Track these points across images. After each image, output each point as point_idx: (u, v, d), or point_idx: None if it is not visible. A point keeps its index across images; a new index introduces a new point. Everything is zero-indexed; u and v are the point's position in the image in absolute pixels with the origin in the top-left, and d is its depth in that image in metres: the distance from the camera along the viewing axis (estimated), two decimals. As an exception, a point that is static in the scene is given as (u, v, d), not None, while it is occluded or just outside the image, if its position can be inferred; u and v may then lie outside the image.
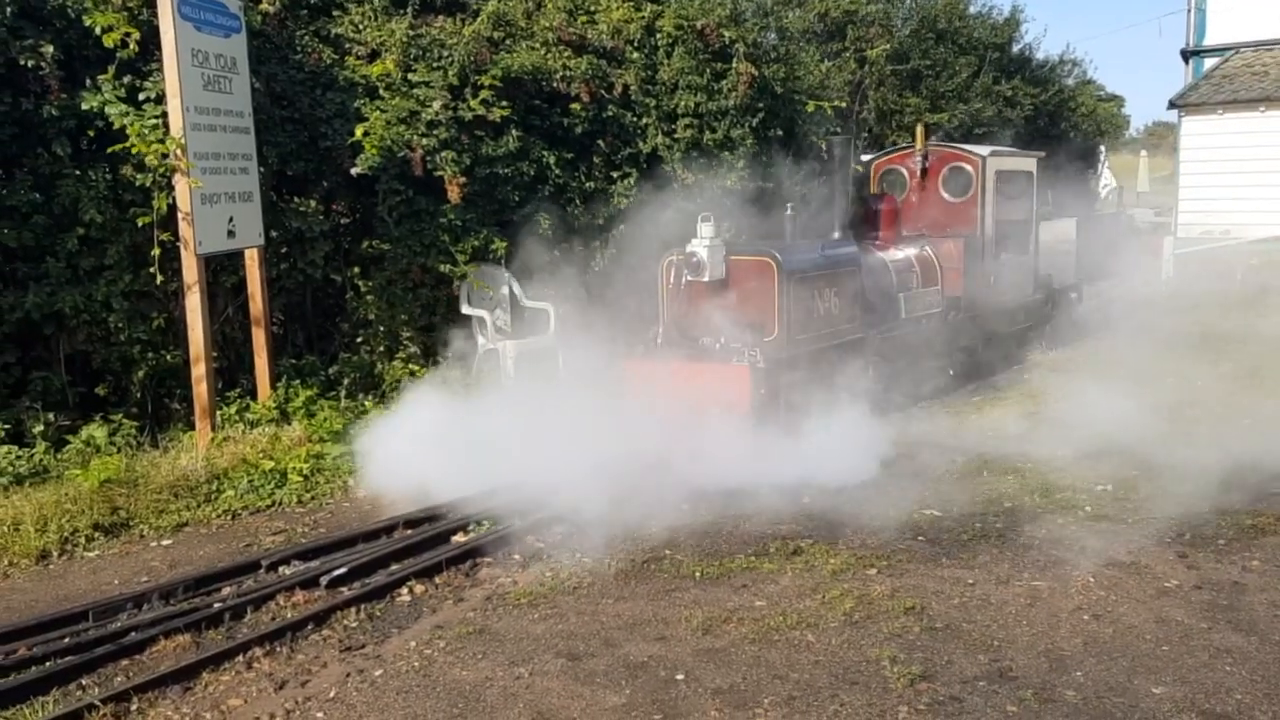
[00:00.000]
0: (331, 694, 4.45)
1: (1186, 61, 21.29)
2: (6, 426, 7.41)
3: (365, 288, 9.68)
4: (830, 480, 6.90)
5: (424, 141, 9.52)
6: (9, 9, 7.52)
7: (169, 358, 8.42)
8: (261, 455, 7.49)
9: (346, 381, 9.19)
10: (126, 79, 7.84)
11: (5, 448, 7.21)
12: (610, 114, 11.26)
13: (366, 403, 8.98)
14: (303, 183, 9.46)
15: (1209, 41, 20.87)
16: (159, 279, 7.74)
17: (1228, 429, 8.06)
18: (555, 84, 10.78)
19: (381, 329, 9.74)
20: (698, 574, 5.66)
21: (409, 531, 6.46)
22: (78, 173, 7.85)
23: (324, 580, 5.60)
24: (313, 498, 7.23)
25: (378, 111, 9.36)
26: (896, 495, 6.78)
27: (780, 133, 12.30)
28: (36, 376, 7.91)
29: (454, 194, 9.72)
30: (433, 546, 6.22)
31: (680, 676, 4.53)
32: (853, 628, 4.95)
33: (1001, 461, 7.67)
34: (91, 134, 7.95)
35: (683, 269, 8.11)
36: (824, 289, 8.53)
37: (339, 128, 9.28)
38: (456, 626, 5.09)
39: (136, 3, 7.96)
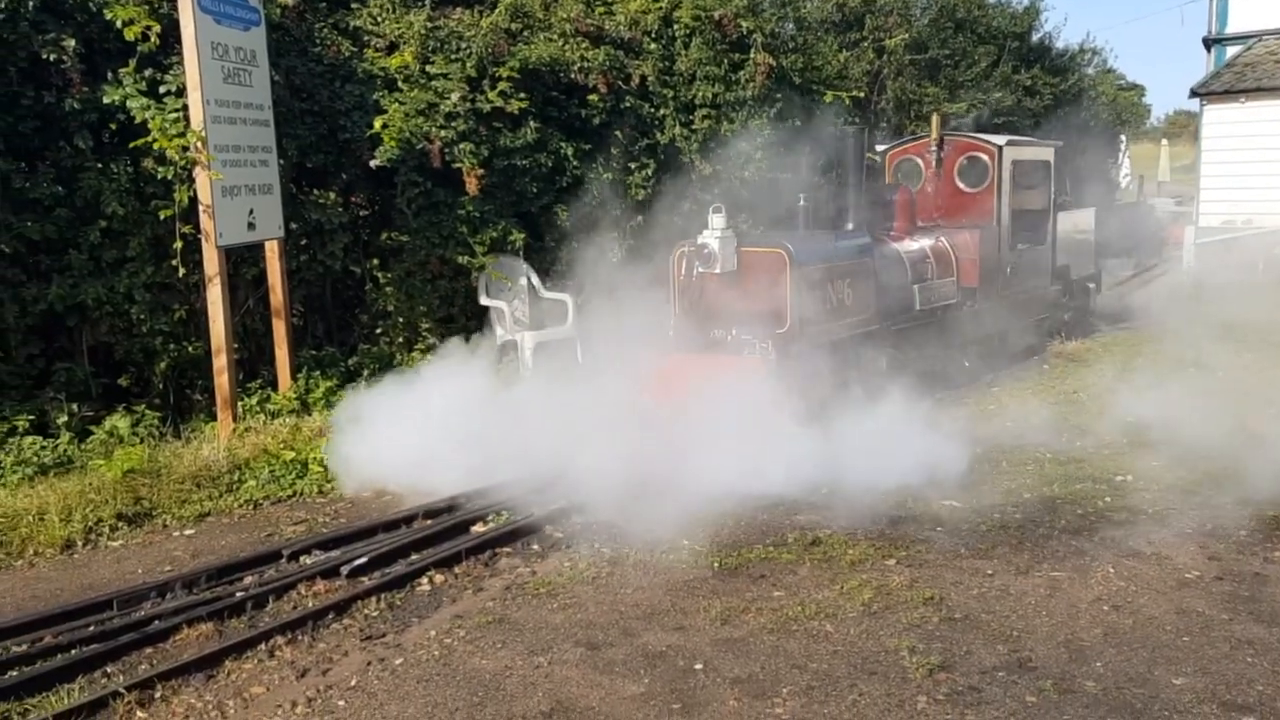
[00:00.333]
0: (353, 682, 4.49)
1: (1208, 49, 21.10)
2: (31, 417, 7.47)
3: (384, 279, 9.72)
4: (844, 471, 6.88)
5: (442, 133, 9.55)
6: (31, 3, 7.57)
7: (190, 349, 8.49)
8: (282, 446, 7.54)
9: (366, 373, 9.24)
10: (147, 72, 7.89)
11: (30, 438, 7.27)
12: (628, 105, 11.26)
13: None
14: (322, 175, 9.51)
15: (1231, 29, 20.68)
16: (180, 271, 7.80)
17: (1249, 420, 8.01)
18: (573, 75, 10.79)
19: (400, 320, 9.79)
20: (715, 564, 5.68)
21: (428, 522, 6.49)
22: (99, 166, 7.91)
23: (345, 570, 5.65)
24: (333, 488, 7.27)
25: (396, 104, 9.39)
26: (914, 486, 6.77)
27: (798, 123, 12.27)
28: (60, 368, 7.98)
29: (472, 186, 9.74)
30: (452, 537, 6.25)
31: (699, 666, 4.55)
32: (871, 618, 4.95)
33: (1019, 452, 7.64)
34: (113, 127, 8.00)
35: (694, 260, 8.06)
36: (837, 281, 8.49)
37: (358, 120, 9.32)
38: (476, 616, 5.12)
39: (157, -4, 8.02)
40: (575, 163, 10.77)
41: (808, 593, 5.27)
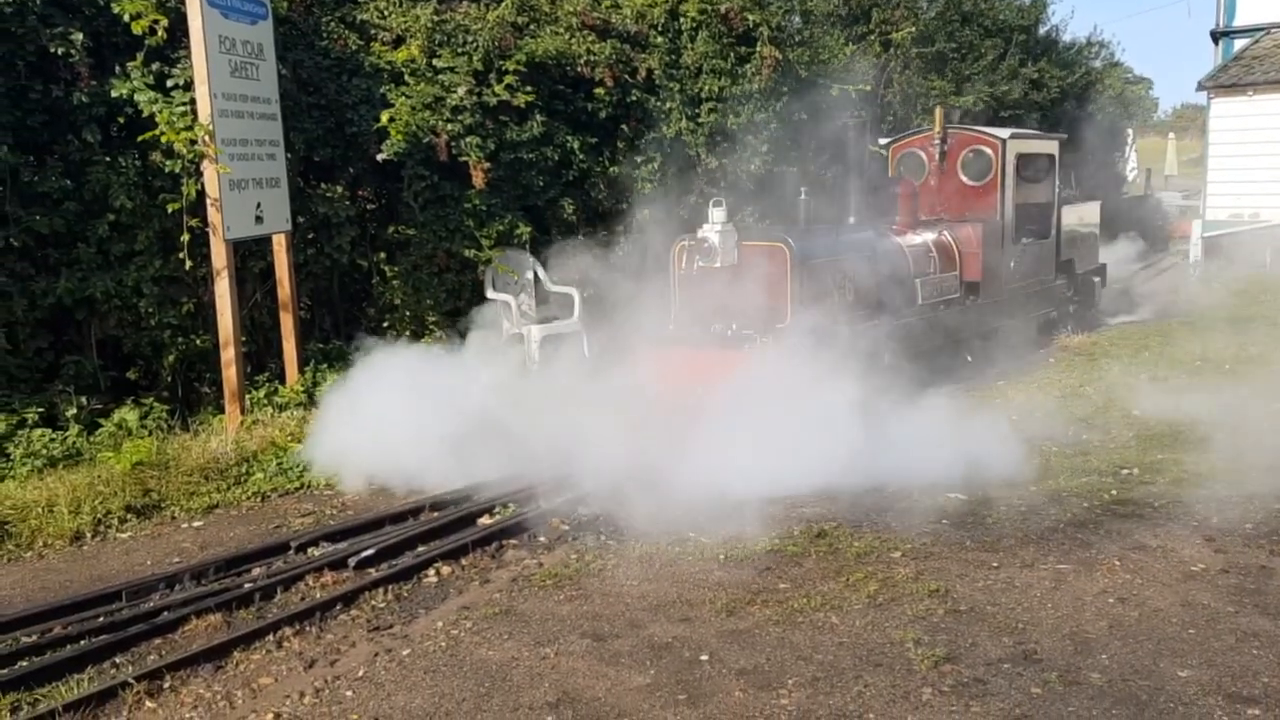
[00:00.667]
0: (360, 673, 4.51)
1: (1216, 43, 21.05)
2: (40, 410, 7.51)
3: (391, 273, 9.75)
4: (851, 464, 6.88)
5: (449, 127, 9.56)
6: (39, -3, 7.60)
7: (199, 342, 8.52)
8: (290, 438, 7.57)
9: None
10: (155, 66, 7.92)
11: (39, 431, 7.31)
12: (634, 99, 11.26)
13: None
14: (329, 168, 9.53)
15: (1239, 22, 20.63)
16: (188, 264, 7.82)
17: (1256, 413, 8.00)
18: (579, 69, 10.79)
19: (407, 314, 9.80)
20: (721, 556, 5.69)
21: (435, 514, 6.52)
22: (108, 159, 7.94)
23: (352, 561, 5.67)
24: (341, 480, 7.29)
25: (403, 97, 9.40)
26: (919, 479, 6.77)
27: (805, 117, 12.26)
28: (69, 361, 8.01)
29: (479, 179, 9.76)
30: (459, 529, 6.28)
31: (705, 657, 4.56)
32: (877, 610, 4.96)
33: (1024, 446, 7.62)
34: (121, 121, 8.02)
35: (694, 254, 8.04)
36: (838, 275, 8.46)
37: (364, 114, 9.33)
38: (483, 607, 5.14)
39: (164, -10, 8.04)
40: (581, 156, 10.78)
41: (813, 585, 5.28)
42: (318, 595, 5.33)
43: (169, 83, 7.92)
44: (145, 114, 7.69)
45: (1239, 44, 20.30)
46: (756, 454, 6.78)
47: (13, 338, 7.72)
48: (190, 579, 5.53)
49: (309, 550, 5.97)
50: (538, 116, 10.34)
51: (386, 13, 10.16)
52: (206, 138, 7.42)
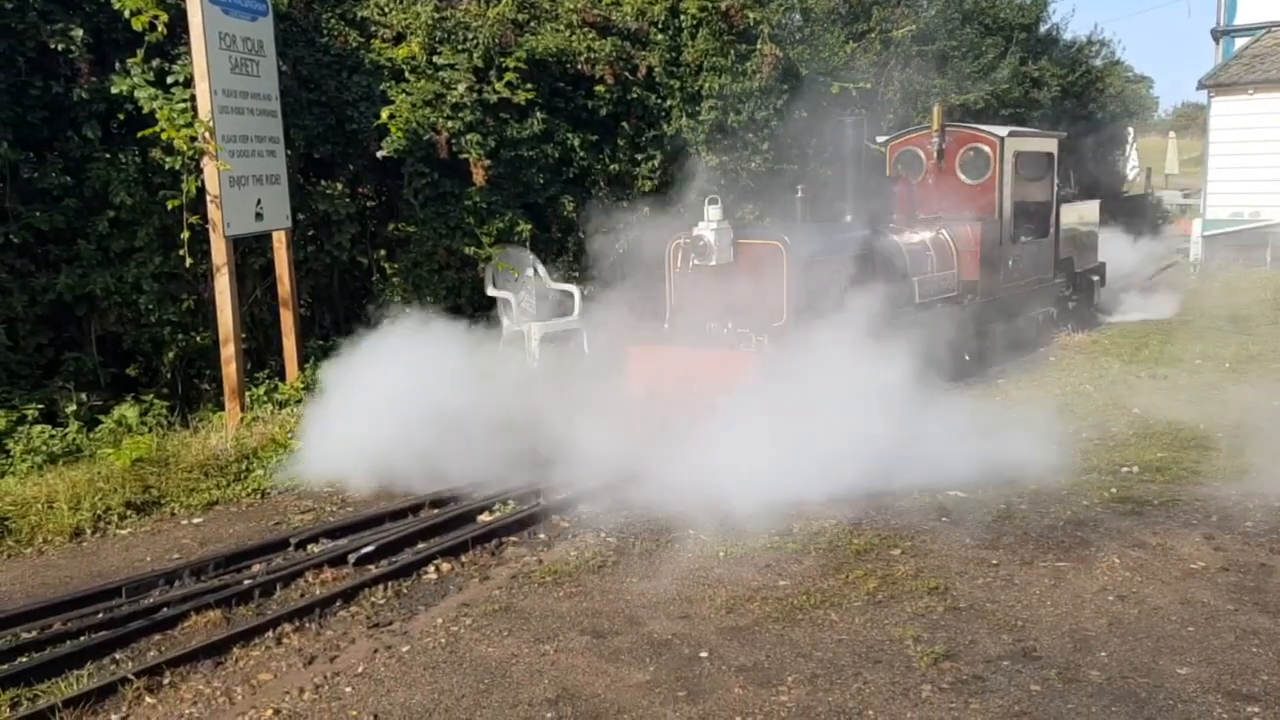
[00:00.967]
0: (360, 669, 4.51)
1: (1217, 41, 21.05)
2: (40, 406, 7.51)
3: (391, 270, 9.74)
4: (848, 462, 6.87)
5: (449, 124, 9.56)
6: (39, -7, 7.60)
7: (199, 339, 8.52)
8: (290, 435, 7.57)
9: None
10: (155, 62, 7.91)
11: (39, 427, 7.31)
12: (634, 96, 11.26)
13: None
14: (329, 165, 9.52)
15: (1240, 21, 20.63)
16: (188, 261, 7.82)
17: (1255, 411, 8.01)
18: (579, 66, 10.79)
19: (408, 311, 9.79)
20: (721, 553, 5.69)
21: (435, 511, 6.52)
22: (108, 156, 7.94)
23: (352, 558, 5.68)
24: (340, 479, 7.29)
25: (403, 94, 9.40)
26: (919, 476, 6.77)
27: (805, 115, 12.25)
28: (69, 357, 8.02)
29: (479, 176, 9.76)
30: (458, 526, 6.28)
31: (704, 654, 4.56)
32: (876, 607, 4.97)
33: (1024, 443, 7.63)
34: (121, 117, 8.03)
35: (690, 252, 8.02)
36: (834, 273, 8.44)
37: (365, 111, 9.33)
38: (482, 604, 5.14)
39: (164, -14, 8.03)
40: (582, 153, 10.78)
41: (813, 581, 5.28)
42: (317, 592, 5.33)
43: (169, 79, 7.92)
44: (145, 110, 7.68)
45: (1239, 43, 20.30)
46: (756, 454, 6.78)
47: (13, 334, 7.72)
48: (190, 575, 5.53)
49: (309, 547, 5.97)
50: (538, 114, 10.34)
51: (387, 9, 10.16)
52: (206, 134, 7.42)
